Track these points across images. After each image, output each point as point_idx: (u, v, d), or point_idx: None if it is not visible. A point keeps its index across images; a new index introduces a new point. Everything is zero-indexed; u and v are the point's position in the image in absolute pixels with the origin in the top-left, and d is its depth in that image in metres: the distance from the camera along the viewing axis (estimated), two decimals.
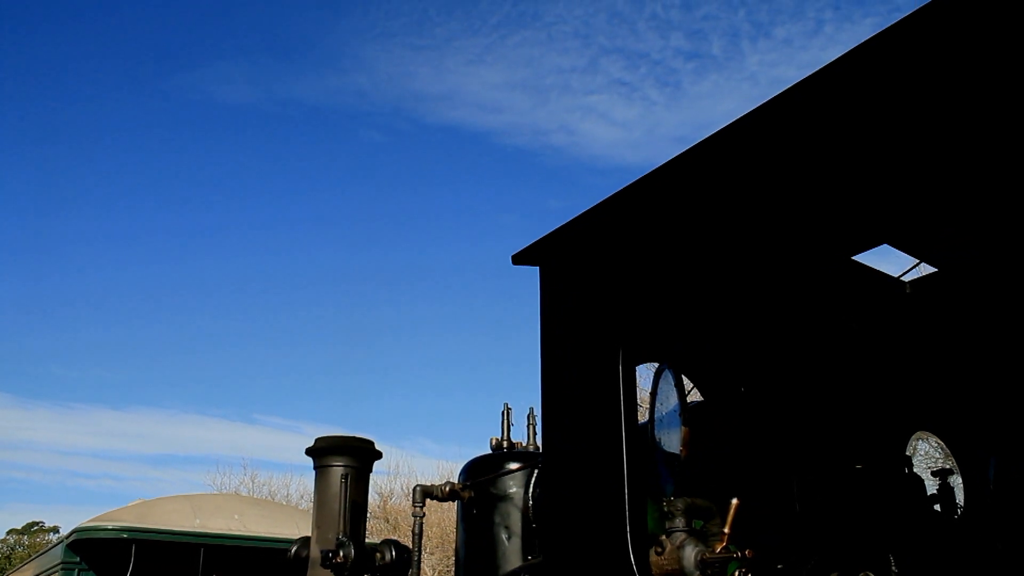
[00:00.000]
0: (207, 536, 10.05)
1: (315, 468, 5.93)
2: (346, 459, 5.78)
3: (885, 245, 4.05)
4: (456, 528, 4.92)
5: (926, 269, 4.39)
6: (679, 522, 3.21)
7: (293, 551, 5.64)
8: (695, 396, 4.32)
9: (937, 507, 4.04)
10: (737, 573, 3.12)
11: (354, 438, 5.88)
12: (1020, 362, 4.48)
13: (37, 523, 54.10)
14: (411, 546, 4.71)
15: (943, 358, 4.50)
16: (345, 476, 5.74)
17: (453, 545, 5.21)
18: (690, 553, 3.13)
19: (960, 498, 4.57)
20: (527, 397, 4.20)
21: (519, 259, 3.76)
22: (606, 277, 3.38)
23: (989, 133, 2.73)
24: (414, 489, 4.62)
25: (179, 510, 10.32)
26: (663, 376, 3.62)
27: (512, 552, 4.51)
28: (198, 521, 10.10)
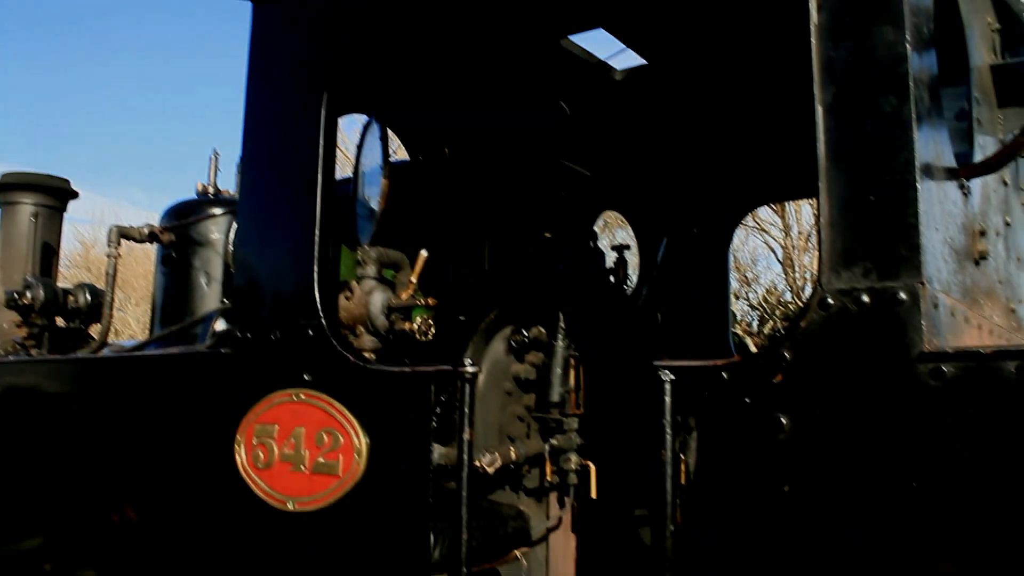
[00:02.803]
0: None
1: (1, 206, 5.49)
2: (37, 197, 5.39)
3: (600, 29, 4.19)
4: (154, 272, 4.81)
5: (638, 60, 4.62)
6: (370, 270, 3.33)
7: None
8: (403, 155, 4.39)
9: (612, 278, 4.47)
10: (420, 319, 3.32)
11: (46, 176, 5.46)
12: (709, 155, 4.95)
13: None
14: (105, 288, 4.54)
15: (640, 145, 4.86)
16: (35, 215, 5.38)
17: None
18: (378, 299, 3.29)
19: (633, 272, 5.10)
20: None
21: None
22: (318, 19, 3.26)
23: None
24: (110, 229, 4.39)
25: None
26: (370, 129, 3.63)
27: (210, 297, 4.50)
28: None
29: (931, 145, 2.47)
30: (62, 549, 3.81)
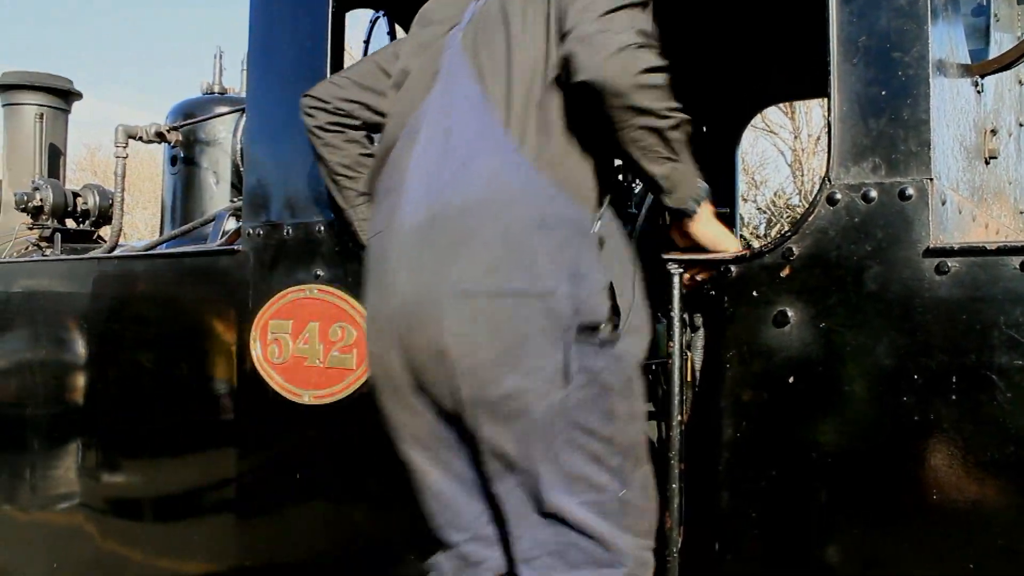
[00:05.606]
0: None
1: (3, 106, 5.46)
2: (41, 97, 5.36)
3: None
4: (162, 173, 4.82)
5: None
6: None
7: None
8: None
9: (620, 176, 4.46)
10: None
11: (49, 75, 5.42)
12: None
13: None
14: (115, 189, 4.56)
15: None
16: (40, 116, 5.36)
17: None
18: None
19: None
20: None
21: None
22: None
23: None
24: (116, 129, 4.39)
25: None
26: (377, 25, 3.59)
27: (220, 196, 4.52)
28: None
29: (946, 40, 2.44)
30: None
